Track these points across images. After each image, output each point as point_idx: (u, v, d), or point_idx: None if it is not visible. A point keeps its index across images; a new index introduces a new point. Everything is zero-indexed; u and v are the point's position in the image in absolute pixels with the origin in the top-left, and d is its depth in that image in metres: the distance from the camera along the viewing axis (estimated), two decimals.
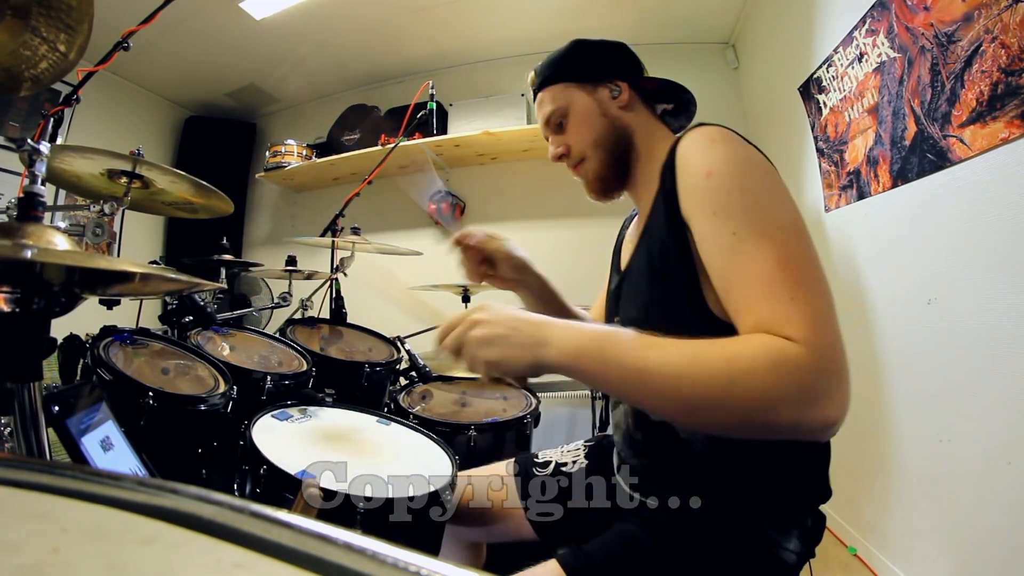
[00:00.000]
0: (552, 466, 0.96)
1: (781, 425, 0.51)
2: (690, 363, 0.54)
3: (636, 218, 0.91)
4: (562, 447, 1.02)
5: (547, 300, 0.96)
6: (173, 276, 0.57)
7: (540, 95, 0.84)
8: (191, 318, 1.34)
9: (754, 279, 0.56)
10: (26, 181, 0.76)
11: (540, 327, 0.61)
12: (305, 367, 1.38)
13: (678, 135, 0.72)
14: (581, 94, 0.81)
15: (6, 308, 0.58)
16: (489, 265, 0.91)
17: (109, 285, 0.70)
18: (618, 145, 0.81)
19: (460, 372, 1.59)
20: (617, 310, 0.84)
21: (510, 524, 0.94)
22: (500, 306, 0.64)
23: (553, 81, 0.82)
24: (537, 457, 1.00)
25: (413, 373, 1.63)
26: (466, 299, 2.06)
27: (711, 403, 0.53)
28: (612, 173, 0.82)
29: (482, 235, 0.89)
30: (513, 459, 1.01)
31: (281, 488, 0.78)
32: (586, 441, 1.02)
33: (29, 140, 0.76)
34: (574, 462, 0.97)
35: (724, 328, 0.61)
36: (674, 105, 0.87)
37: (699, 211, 0.63)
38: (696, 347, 0.55)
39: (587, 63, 0.82)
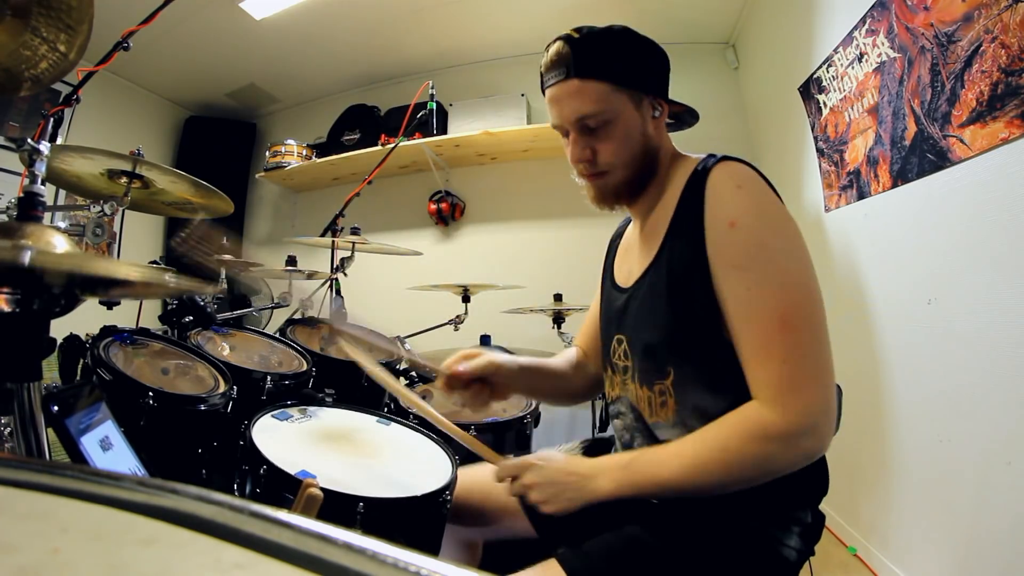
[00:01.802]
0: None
1: (783, 470, 0.65)
2: (696, 468, 0.66)
3: (631, 230, 0.90)
4: (559, 447, 1.02)
5: (540, 378, 0.97)
6: (173, 283, 0.57)
7: (577, 83, 0.72)
8: (191, 318, 1.35)
9: (757, 338, 0.65)
10: (26, 181, 0.76)
11: (581, 479, 0.72)
12: (305, 367, 1.38)
13: (704, 162, 0.73)
14: (630, 106, 0.74)
15: (6, 308, 0.58)
16: (484, 383, 0.88)
17: (109, 287, 0.70)
18: (645, 165, 0.78)
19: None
20: (621, 327, 0.82)
21: (510, 523, 0.94)
22: (546, 462, 0.75)
23: (599, 76, 0.71)
24: None
25: (413, 373, 1.62)
26: (466, 299, 2.06)
27: (727, 482, 0.66)
28: (628, 191, 0.80)
29: (457, 363, 0.86)
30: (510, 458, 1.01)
31: (281, 488, 0.78)
32: (582, 441, 1.02)
33: (29, 140, 0.76)
34: None
35: (733, 359, 0.69)
36: (675, 120, 0.88)
37: (721, 260, 0.68)
38: (695, 449, 0.67)
39: (639, 68, 0.75)
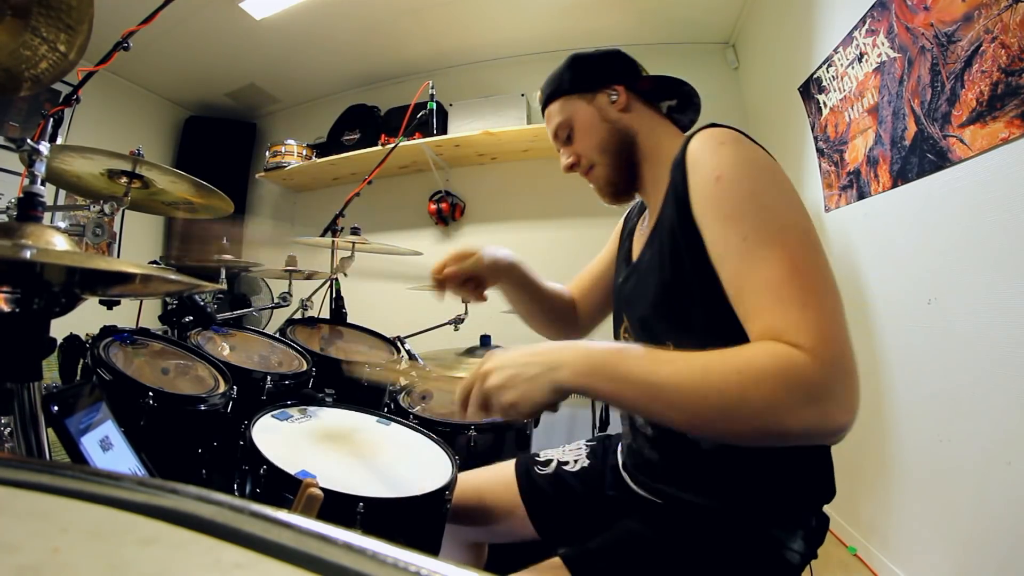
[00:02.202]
0: (554, 465, 0.97)
1: (793, 433, 0.53)
2: (702, 377, 0.55)
3: (647, 211, 0.91)
4: (564, 446, 1.02)
5: (524, 285, 0.98)
6: (173, 278, 0.57)
7: (547, 111, 0.88)
8: (191, 318, 1.35)
9: (764, 285, 0.57)
10: (26, 181, 0.76)
11: (549, 353, 0.62)
12: (305, 367, 1.38)
13: (688, 133, 0.73)
14: (581, 104, 0.83)
15: (6, 308, 0.58)
16: (476, 282, 0.93)
17: (109, 285, 0.70)
18: (622, 147, 0.83)
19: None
20: (624, 303, 0.84)
21: (511, 524, 0.94)
22: (504, 350, 0.65)
23: (556, 96, 0.85)
24: (539, 456, 1.00)
25: (413, 373, 1.62)
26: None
27: (723, 415, 0.54)
28: (621, 176, 0.84)
29: (451, 260, 0.90)
30: (515, 459, 1.01)
31: (281, 488, 0.78)
32: (588, 440, 1.02)
33: (29, 140, 0.76)
34: (576, 461, 0.97)
35: (735, 324, 0.61)
36: (678, 100, 0.87)
37: (709, 215, 0.64)
38: (706, 360, 0.56)
39: (583, 74, 0.84)
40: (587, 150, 0.84)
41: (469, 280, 0.92)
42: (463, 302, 0.92)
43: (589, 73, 0.84)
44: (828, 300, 0.57)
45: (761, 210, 0.61)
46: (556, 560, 0.71)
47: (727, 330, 0.61)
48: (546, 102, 0.88)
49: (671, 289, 0.71)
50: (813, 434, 0.53)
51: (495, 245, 0.94)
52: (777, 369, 0.52)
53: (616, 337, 0.88)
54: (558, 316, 1.02)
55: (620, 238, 0.98)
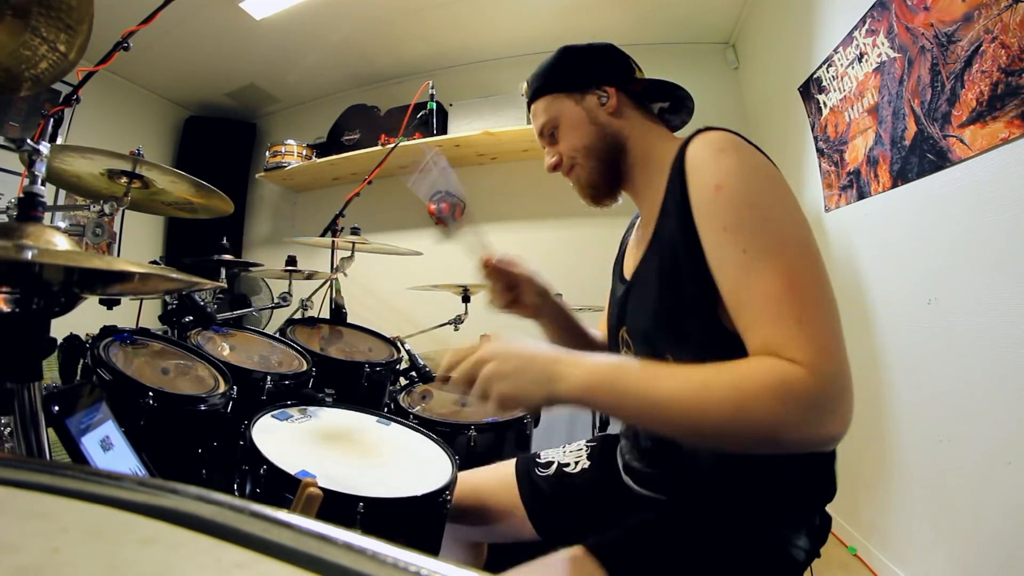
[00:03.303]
0: (555, 467, 0.96)
1: (788, 445, 0.55)
2: (699, 393, 0.56)
3: (639, 223, 0.90)
4: (564, 447, 1.01)
5: (567, 328, 0.95)
6: (173, 276, 0.57)
7: (533, 107, 0.85)
8: (191, 318, 1.34)
9: (763, 299, 0.58)
10: (26, 181, 0.76)
11: (552, 363, 0.62)
12: (305, 367, 1.38)
13: (687, 137, 0.71)
14: (569, 103, 0.81)
15: (6, 308, 0.58)
16: (514, 291, 0.91)
17: (109, 285, 0.70)
18: (609, 152, 0.81)
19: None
20: (623, 319, 0.83)
21: (511, 524, 0.94)
22: (510, 340, 0.64)
23: (543, 92, 0.83)
24: (539, 457, 0.99)
25: (413, 373, 1.62)
26: (466, 299, 2.06)
27: (720, 430, 0.56)
28: (603, 179, 0.82)
29: (508, 258, 0.90)
30: (515, 459, 1.01)
31: (281, 488, 0.78)
32: (588, 441, 1.02)
33: (29, 140, 0.76)
34: (576, 463, 0.97)
35: (734, 339, 0.62)
36: (670, 103, 0.86)
37: (709, 225, 0.63)
38: (704, 375, 0.57)
39: (574, 71, 0.82)
40: (571, 151, 0.82)
41: (514, 288, 0.91)
42: (491, 302, 0.91)
43: (580, 71, 0.82)
44: (825, 314, 0.57)
45: (761, 222, 0.61)
46: (573, 551, 0.69)
47: (726, 343, 0.62)
48: (533, 97, 0.85)
49: (671, 302, 0.70)
50: (807, 445, 0.55)
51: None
52: (774, 384, 0.53)
53: (613, 347, 0.86)
54: None
55: (617, 255, 0.96)
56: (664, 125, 0.84)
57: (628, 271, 0.85)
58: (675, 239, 0.68)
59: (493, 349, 0.63)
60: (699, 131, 0.70)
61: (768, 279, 0.58)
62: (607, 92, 0.80)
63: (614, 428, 0.95)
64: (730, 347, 0.61)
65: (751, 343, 0.59)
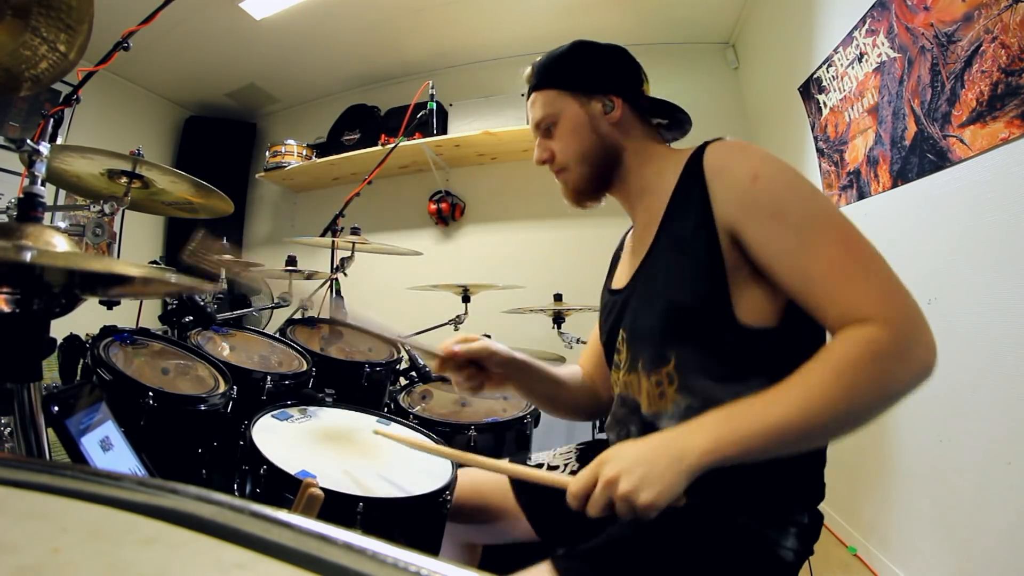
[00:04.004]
0: (544, 469, 0.96)
1: (905, 392, 0.60)
2: (807, 397, 0.58)
3: (631, 234, 0.90)
4: (555, 450, 1.01)
5: (537, 379, 0.91)
6: (173, 279, 0.57)
7: (533, 96, 0.83)
8: (191, 318, 1.35)
9: (829, 269, 0.61)
10: (26, 181, 0.76)
11: (671, 443, 0.61)
12: (305, 367, 1.38)
13: (696, 148, 0.72)
14: (574, 105, 0.80)
15: (6, 308, 0.58)
16: (477, 367, 0.86)
17: (109, 286, 0.70)
18: (604, 161, 0.80)
19: None
20: (620, 324, 0.82)
21: (511, 523, 0.94)
22: (618, 449, 0.63)
23: (548, 85, 0.81)
24: (530, 459, 0.99)
25: (413, 373, 1.63)
26: (466, 299, 2.06)
27: (840, 418, 0.59)
28: (591, 187, 0.82)
29: (459, 345, 0.84)
30: (507, 460, 1.01)
31: (281, 488, 0.78)
32: (579, 445, 1.02)
33: (29, 140, 0.76)
34: (566, 465, 0.96)
35: (751, 335, 0.64)
36: (669, 121, 0.86)
37: (755, 216, 0.65)
38: (801, 383, 0.59)
39: (584, 72, 0.80)
40: (565, 153, 0.81)
41: (471, 364, 0.84)
42: (458, 389, 0.88)
43: (590, 73, 0.80)
44: (882, 262, 0.63)
45: (803, 200, 0.64)
46: (545, 564, 0.70)
47: (740, 339, 0.64)
48: (536, 87, 0.82)
49: (681, 300, 0.70)
50: (922, 379, 0.60)
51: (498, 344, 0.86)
52: (864, 355, 0.57)
53: (613, 356, 0.84)
54: (581, 406, 0.97)
55: (609, 269, 0.95)
56: (660, 140, 0.85)
57: (619, 282, 0.85)
58: (687, 238, 0.69)
59: (613, 466, 0.61)
60: (709, 141, 0.71)
61: (829, 250, 0.62)
62: (613, 102, 0.79)
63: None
64: (744, 343, 0.63)
65: (832, 314, 0.61)
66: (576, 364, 1.02)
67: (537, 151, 0.84)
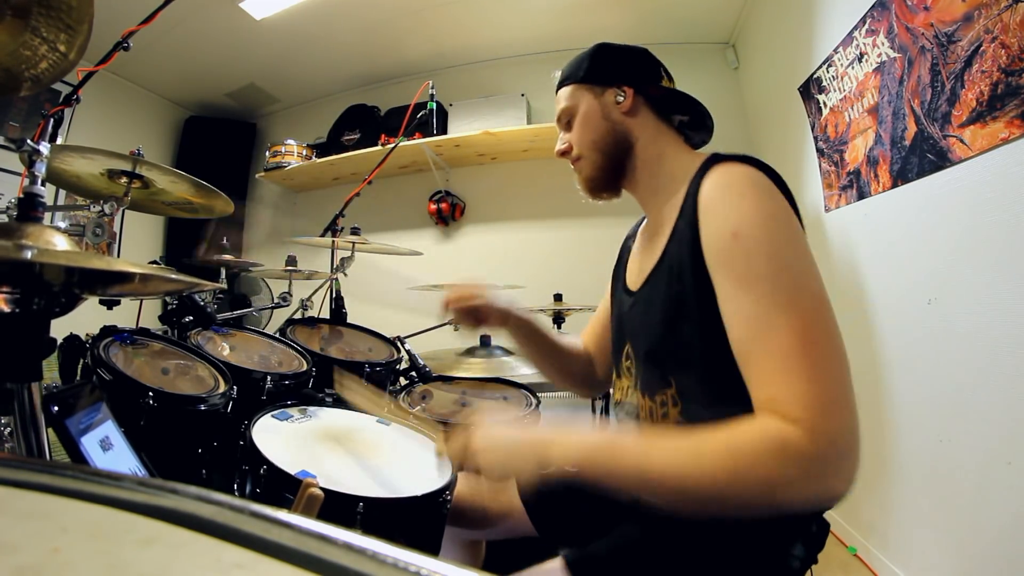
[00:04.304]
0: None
1: (788, 505, 0.54)
2: (694, 458, 0.56)
3: (642, 230, 0.90)
4: None
5: (535, 340, 0.97)
6: (173, 276, 0.57)
7: (558, 93, 0.88)
8: (191, 318, 1.34)
9: (773, 354, 0.57)
10: (26, 181, 0.76)
11: (539, 443, 0.64)
12: (305, 367, 1.38)
13: (707, 161, 0.70)
14: (589, 96, 0.83)
15: (6, 308, 0.58)
16: (478, 317, 0.94)
17: (109, 285, 0.70)
18: (615, 149, 0.82)
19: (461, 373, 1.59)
20: (627, 333, 0.83)
21: (511, 523, 0.94)
22: (494, 426, 0.69)
23: (569, 81, 0.86)
24: None
25: (413, 373, 1.62)
26: None
27: (716, 497, 0.55)
28: (604, 175, 0.84)
29: (463, 291, 0.93)
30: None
31: (281, 488, 0.78)
32: None
33: (29, 140, 0.76)
34: None
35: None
36: (690, 117, 0.86)
37: (723, 272, 0.63)
38: (698, 442, 0.57)
39: (600, 67, 0.84)
40: (580, 142, 0.84)
41: (473, 311, 0.93)
42: (454, 329, 0.97)
43: (605, 67, 0.84)
44: (836, 371, 0.56)
45: (777, 274, 0.60)
46: (557, 561, 0.70)
47: (730, 368, 0.62)
48: (560, 84, 0.88)
49: (676, 329, 0.70)
50: (809, 504, 0.55)
51: (504, 295, 0.95)
52: (771, 447, 0.53)
53: (621, 361, 0.85)
54: (575, 373, 1.01)
55: (617, 263, 0.96)
56: (682, 137, 0.85)
57: (633, 282, 0.85)
58: (683, 270, 0.68)
59: (480, 442, 0.67)
60: (719, 160, 0.69)
61: (781, 335, 0.57)
62: (625, 92, 0.82)
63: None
64: (734, 372, 0.61)
65: (757, 396, 0.58)
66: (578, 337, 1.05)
67: (558, 143, 0.89)
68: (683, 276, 0.68)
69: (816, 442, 0.52)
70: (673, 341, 0.71)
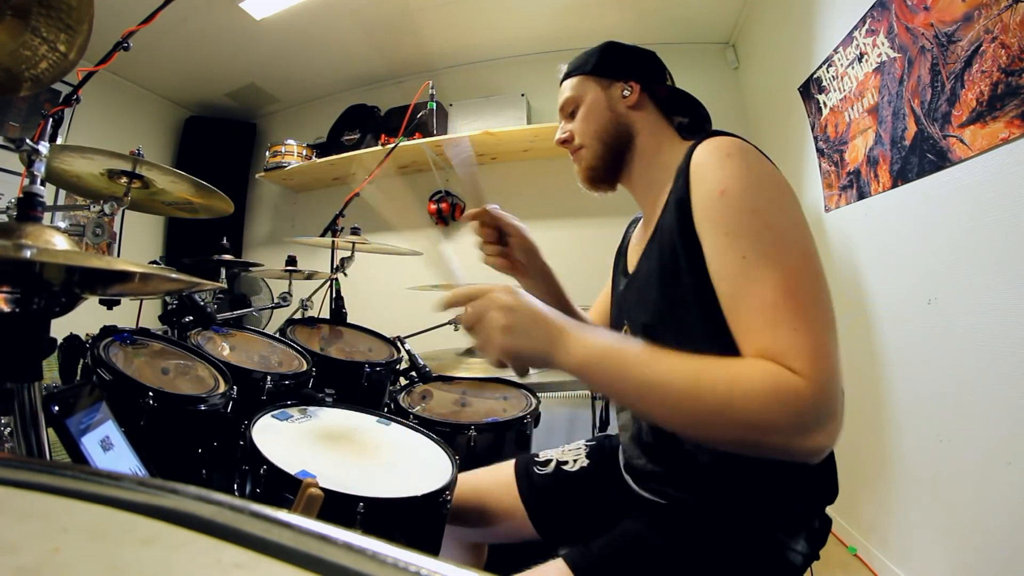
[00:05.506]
0: (553, 464, 0.97)
1: (772, 448, 0.55)
2: (694, 380, 0.56)
3: (642, 221, 0.92)
4: (563, 447, 1.02)
5: (551, 293, 0.96)
6: (173, 276, 0.57)
7: (563, 84, 0.89)
8: (191, 318, 1.34)
9: (759, 306, 0.58)
10: (26, 181, 0.76)
11: (557, 328, 0.62)
12: (305, 367, 1.38)
13: (695, 141, 0.71)
14: (596, 88, 0.84)
15: (6, 308, 0.58)
16: (504, 242, 0.92)
17: (109, 285, 0.70)
18: (617, 141, 0.83)
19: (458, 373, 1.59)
20: (624, 313, 0.84)
21: (512, 524, 0.94)
22: (524, 294, 0.64)
23: (576, 73, 0.87)
24: (538, 456, 1.00)
25: (413, 373, 1.63)
26: None
27: (709, 420, 0.56)
28: (604, 166, 0.85)
29: (500, 212, 0.92)
30: (514, 459, 1.01)
31: (281, 488, 0.78)
32: (587, 441, 1.03)
33: (28, 140, 0.76)
34: (575, 461, 0.97)
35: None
36: (690, 120, 0.87)
37: (710, 229, 0.64)
38: (701, 364, 0.57)
39: (609, 61, 0.85)
40: (583, 132, 0.85)
41: (501, 238, 0.92)
42: (480, 249, 0.93)
43: (614, 62, 0.85)
44: (822, 325, 0.57)
45: (763, 229, 0.60)
46: (558, 561, 0.71)
47: (727, 339, 0.61)
48: (566, 76, 0.89)
49: (672, 298, 0.70)
50: (791, 453, 0.55)
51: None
52: (768, 386, 0.53)
53: None
54: None
55: (618, 251, 0.98)
56: (677, 134, 0.85)
57: (631, 265, 0.87)
58: (674, 238, 0.69)
59: (503, 299, 0.63)
60: (708, 135, 0.70)
61: (766, 287, 0.58)
62: (632, 87, 0.83)
63: (612, 428, 0.94)
64: (731, 342, 0.61)
65: (745, 349, 0.59)
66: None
67: (558, 132, 0.89)
68: (674, 242, 0.69)
69: (812, 391, 0.53)
70: (669, 312, 0.71)
